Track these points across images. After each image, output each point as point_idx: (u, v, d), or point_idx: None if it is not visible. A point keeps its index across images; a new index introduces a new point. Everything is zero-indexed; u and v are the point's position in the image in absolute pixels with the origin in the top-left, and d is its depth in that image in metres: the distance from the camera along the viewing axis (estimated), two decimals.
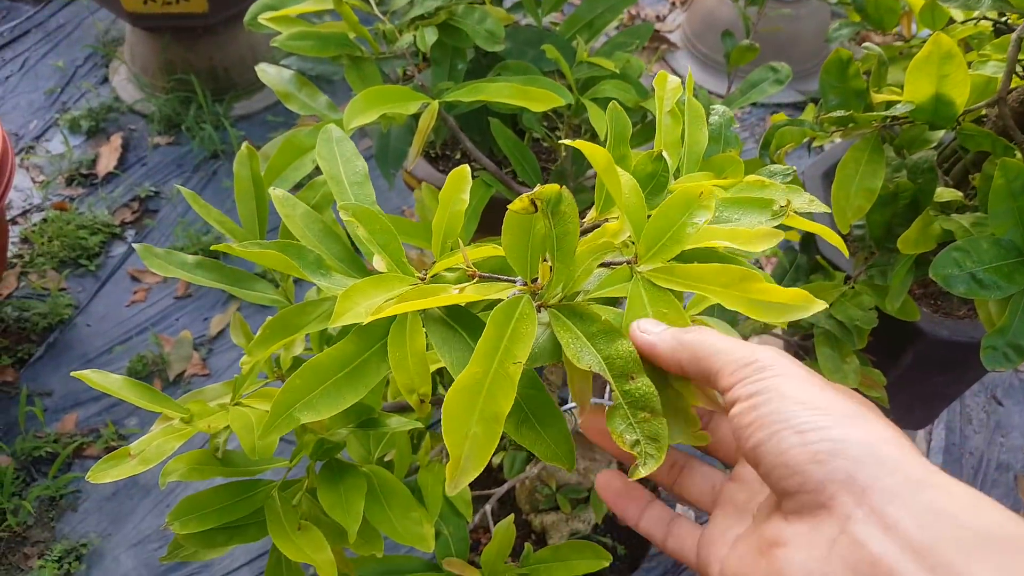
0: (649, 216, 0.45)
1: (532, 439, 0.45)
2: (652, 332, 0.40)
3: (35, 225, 1.91)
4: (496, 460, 1.13)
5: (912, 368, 1.08)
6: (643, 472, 0.37)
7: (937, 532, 0.29)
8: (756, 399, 0.35)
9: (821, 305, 0.42)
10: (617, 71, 1.04)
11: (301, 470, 0.73)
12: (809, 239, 1.07)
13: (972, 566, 0.28)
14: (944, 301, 1.04)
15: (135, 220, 1.95)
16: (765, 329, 1.00)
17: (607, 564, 0.78)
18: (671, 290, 0.44)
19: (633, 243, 0.46)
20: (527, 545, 0.83)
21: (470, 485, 0.89)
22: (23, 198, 1.99)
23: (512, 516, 0.80)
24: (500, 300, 0.43)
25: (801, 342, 1.06)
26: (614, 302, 0.46)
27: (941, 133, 0.85)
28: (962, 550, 0.29)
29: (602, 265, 0.47)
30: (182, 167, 2.06)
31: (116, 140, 2.12)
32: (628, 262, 0.45)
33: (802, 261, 1.05)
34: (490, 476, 1.20)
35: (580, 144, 0.42)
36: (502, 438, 1.15)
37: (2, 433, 1.57)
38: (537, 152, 1.49)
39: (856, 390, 0.98)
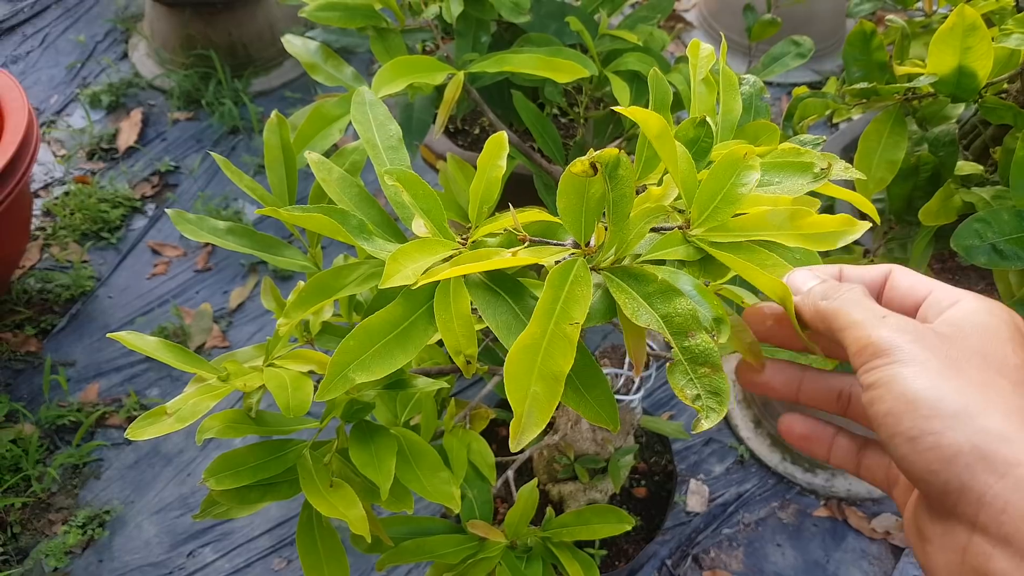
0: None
1: (577, 401, 0.46)
2: (799, 293, 0.40)
3: (57, 198, 1.93)
4: None
5: None
6: (706, 425, 0.38)
7: None
8: (872, 393, 0.35)
9: (865, 225, 0.44)
10: (640, 44, 1.04)
11: (330, 432, 0.75)
12: (828, 213, 1.08)
13: None
14: (962, 276, 1.05)
15: (155, 194, 1.97)
16: None
17: (629, 528, 0.79)
18: (730, 243, 0.45)
19: (681, 211, 0.47)
20: (549, 509, 0.85)
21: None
22: (45, 172, 2.01)
23: (535, 481, 0.81)
24: (542, 264, 0.44)
25: None
26: (662, 264, 0.47)
27: (962, 107, 0.86)
28: None
29: (653, 230, 0.48)
30: (201, 142, 2.07)
31: (136, 115, 2.13)
32: (680, 227, 0.46)
33: None
34: (506, 443, 1.22)
35: (634, 111, 0.43)
36: None
37: (27, 402, 1.59)
38: (556, 127, 1.49)
39: None
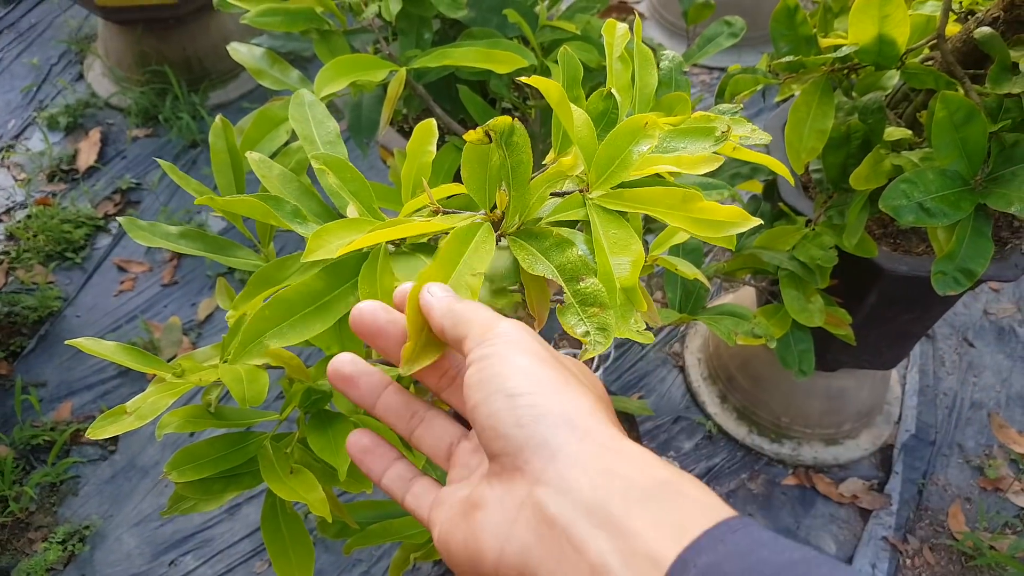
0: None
1: None
2: (435, 296, 0.41)
3: (19, 222, 1.93)
4: None
5: (877, 307, 1.12)
6: (592, 352, 0.41)
7: (608, 491, 0.32)
8: (483, 363, 0.37)
9: (756, 221, 0.46)
10: (579, 33, 1.07)
11: (292, 427, 0.76)
12: (771, 187, 1.11)
13: (632, 516, 0.31)
14: (903, 239, 1.08)
15: (118, 212, 1.98)
16: (730, 275, 1.04)
17: None
18: (621, 212, 0.48)
19: (586, 175, 0.50)
20: None
21: None
22: (6, 196, 2.01)
23: None
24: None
25: (769, 287, 1.10)
26: (573, 226, 0.50)
27: (896, 76, 0.89)
28: (626, 504, 0.31)
29: (556, 195, 0.51)
30: (162, 158, 2.07)
31: (95, 135, 2.14)
32: (580, 190, 0.49)
33: (765, 209, 1.09)
34: None
35: (534, 80, 0.45)
36: None
37: (0, 424, 1.60)
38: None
39: (823, 328, 1.01)
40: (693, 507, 0.31)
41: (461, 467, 0.42)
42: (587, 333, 0.41)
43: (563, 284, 0.42)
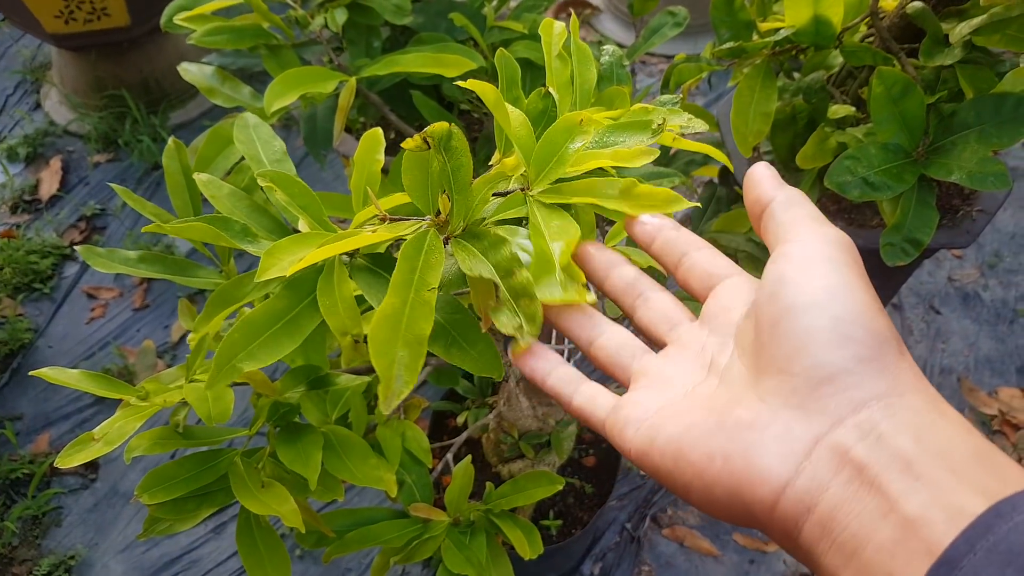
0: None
1: (461, 357, 0.49)
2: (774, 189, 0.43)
3: None
4: (460, 419, 1.18)
5: None
6: (523, 345, 0.43)
7: (928, 448, 0.30)
8: (808, 264, 0.35)
9: (688, 204, 0.47)
10: (526, 32, 1.08)
11: (262, 441, 0.77)
12: (726, 172, 1.12)
13: (954, 474, 0.29)
14: (858, 214, 1.10)
15: (84, 239, 1.97)
16: None
17: (560, 487, 0.83)
18: (562, 205, 0.49)
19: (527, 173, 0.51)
20: (488, 483, 0.88)
21: (432, 439, 0.93)
22: None
23: (470, 457, 0.84)
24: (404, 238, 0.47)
25: None
26: (519, 223, 0.51)
27: (840, 56, 0.91)
28: (949, 463, 0.29)
29: (499, 195, 0.52)
30: (124, 182, 2.07)
31: (56, 163, 2.12)
32: (522, 189, 0.50)
33: (722, 193, 1.10)
34: (456, 434, 1.25)
35: (472, 84, 0.46)
36: (464, 399, 1.18)
37: None
38: (468, 123, 1.53)
39: None
40: (1017, 477, 0.29)
41: (681, 349, 0.42)
42: (520, 327, 0.43)
43: (499, 281, 0.43)
